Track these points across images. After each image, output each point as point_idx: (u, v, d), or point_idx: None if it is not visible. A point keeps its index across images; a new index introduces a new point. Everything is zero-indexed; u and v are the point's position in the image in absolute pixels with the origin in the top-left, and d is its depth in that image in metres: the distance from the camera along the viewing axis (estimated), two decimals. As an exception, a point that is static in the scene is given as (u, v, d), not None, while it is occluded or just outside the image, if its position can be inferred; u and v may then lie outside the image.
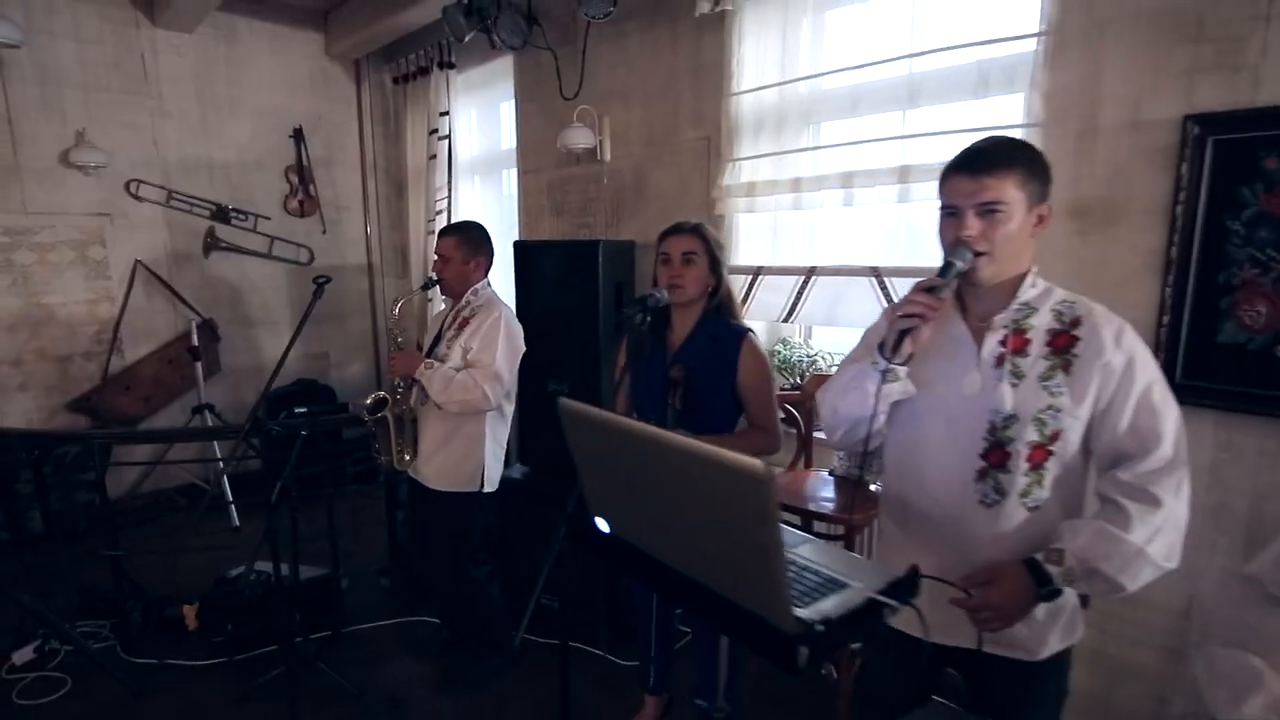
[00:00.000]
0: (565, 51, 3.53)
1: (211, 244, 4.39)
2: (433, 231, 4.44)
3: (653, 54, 3.20)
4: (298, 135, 4.70)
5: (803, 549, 1.05)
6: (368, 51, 4.77)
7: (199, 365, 4.16)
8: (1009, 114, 2.19)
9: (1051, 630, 1.29)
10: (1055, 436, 1.23)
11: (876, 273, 2.53)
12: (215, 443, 4.23)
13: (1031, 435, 1.23)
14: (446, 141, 4.33)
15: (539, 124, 3.80)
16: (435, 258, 2.39)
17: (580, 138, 3.35)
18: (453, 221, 4.07)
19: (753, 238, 2.97)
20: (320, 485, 3.05)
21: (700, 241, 1.93)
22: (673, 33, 3.08)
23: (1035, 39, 2.09)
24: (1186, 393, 1.89)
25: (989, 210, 1.21)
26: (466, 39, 3.63)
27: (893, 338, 1.24)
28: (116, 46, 4.01)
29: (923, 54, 2.33)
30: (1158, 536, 1.15)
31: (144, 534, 3.77)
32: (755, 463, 0.73)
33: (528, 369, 2.46)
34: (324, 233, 4.86)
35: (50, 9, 3.79)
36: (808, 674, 0.79)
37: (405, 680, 2.61)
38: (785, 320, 2.83)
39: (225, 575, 2.99)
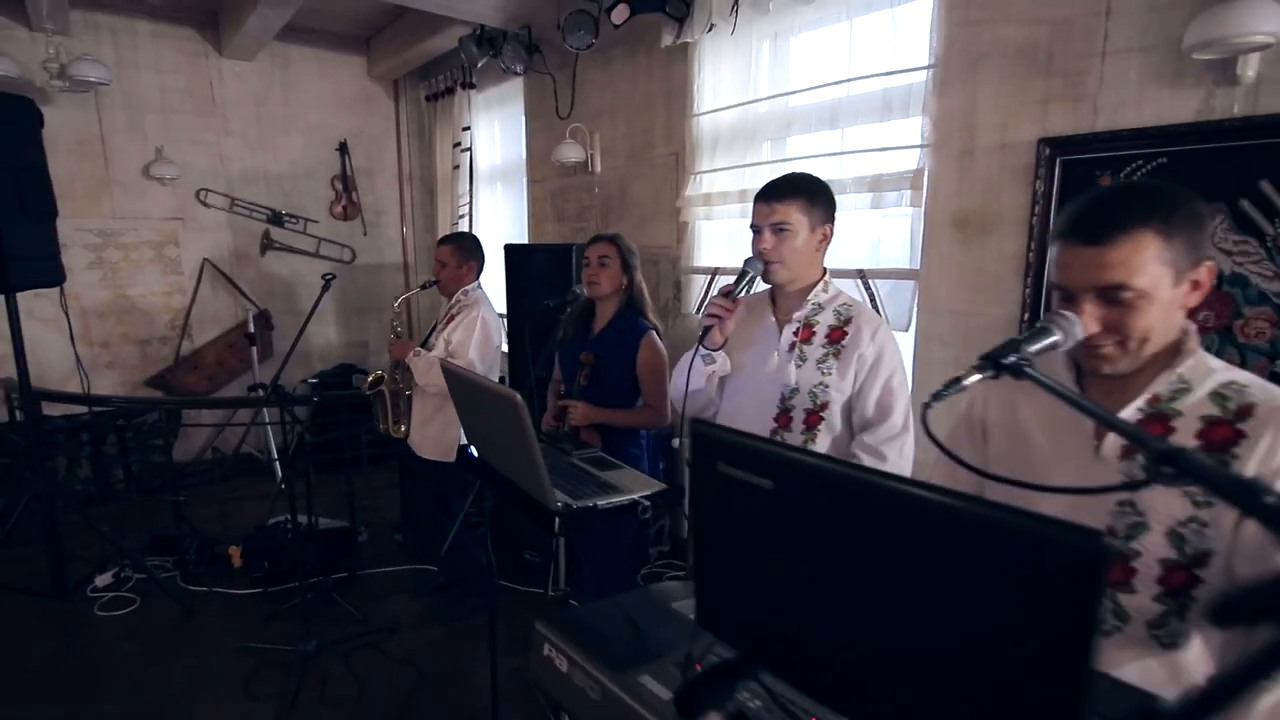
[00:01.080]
0: (562, 75, 3.98)
1: (267, 244, 5.03)
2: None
3: (633, 79, 3.61)
4: (342, 148, 5.30)
5: (609, 473, 1.46)
6: (404, 73, 5.33)
7: (254, 350, 4.81)
8: (911, 136, 2.51)
9: None
10: (824, 405, 1.60)
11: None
12: (265, 414, 4.85)
13: (807, 403, 1.61)
14: (468, 153, 4.85)
15: (542, 139, 4.26)
16: (436, 264, 2.87)
17: (571, 152, 3.79)
18: (457, 230, 4.59)
19: (711, 241, 3.35)
20: (342, 450, 3.60)
21: (613, 248, 2.36)
22: (649, 61, 3.48)
23: (926, 71, 2.42)
24: (1042, 379, 2.20)
25: (779, 229, 1.59)
26: (480, 64, 4.14)
27: (700, 331, 1.63)
28: (189, 75, 4.68)
29: (840, 82, 2.67)
30: None
31: (204, 490, 4.42)
32: (513, 394, 1.15)
33: (519, 358, 2.91)
34: (365, 234, 5.46)
35: (135, 45, 4.47)
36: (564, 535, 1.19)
37: (403, 612, 3.11)
38: (737, 315, 3.19)
39: (265, 523, 3.56)
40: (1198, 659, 0.98)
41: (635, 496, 1.30)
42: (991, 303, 2.34)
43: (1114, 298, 0.95)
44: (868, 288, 2.69)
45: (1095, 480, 0.96)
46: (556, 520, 1.18)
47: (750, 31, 2.99)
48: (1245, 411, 0.96)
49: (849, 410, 1.61)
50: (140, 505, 4.05)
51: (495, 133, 5.04)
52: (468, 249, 2.84)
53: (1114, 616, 1.03)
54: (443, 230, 5.15)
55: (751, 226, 1.67)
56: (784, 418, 1.65)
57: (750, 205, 2.98)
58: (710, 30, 2.98)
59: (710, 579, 0.80)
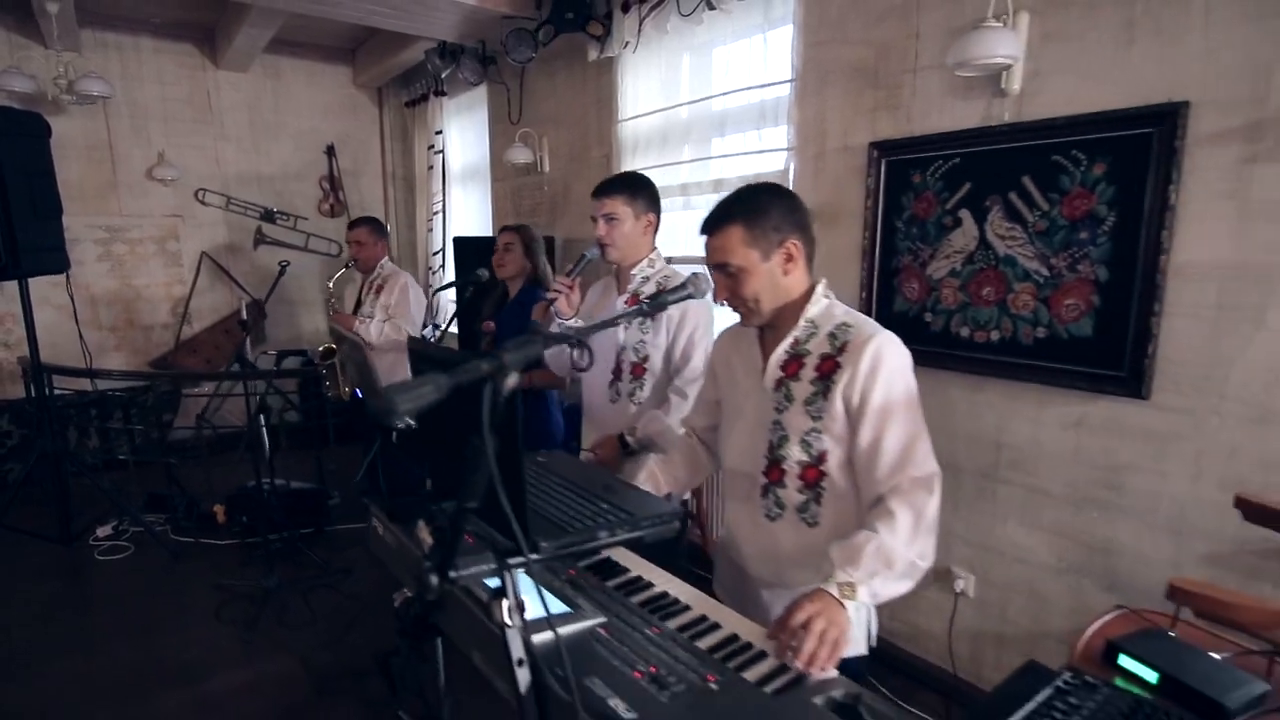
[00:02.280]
0: (515, 85, 4.39)
1: (260, 239, 5.50)
2: (431, 229, 5.41)
3: (571, 89, 4.01)
4: (329, 151, 5.76)
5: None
6: (386, 81, 5.77)
7: (247, 335, 5.27)
8: (780, 140, 2.88)
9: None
10: (645, 358, 2.00)
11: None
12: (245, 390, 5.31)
13: (633, 357, 2.01)
14: (440, 155, 5.28)
15: (501, 142, 4.67)
16: (350, 244, 3.35)
17: (520, 154, 4.20)
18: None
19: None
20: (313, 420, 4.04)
21: (517, 236, 2.77)
22: (583, 73, 3.87)
23: (788, 85, 2.79)
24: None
25: (609, 218, 1.99)
26: (444, 75, 4.56)
27: (545, 305, 2.04)
28: (189, 86, 5.16)
29: (724, 94, 3.05)
30: None
31: (196, 461, 4.90)
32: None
33: (464, 339, 3.35)
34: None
35: (139, 60, 4.95)
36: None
37: (358, 559, 3.54)
38: (655, 299, 3.59)
39: (245, 485, 4.02)
40: (829, 533, 1.33)
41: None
42: (840, 283, 2.69)
43: (726, 272, 1.36)
44: (753, 273, 3.06)
45: (767, 403, 1.36)
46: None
47: (662, 48, 3.37)
48: (843, 348, 1.33)
49: (668, 360, 2.00)
50: (140, 472, 4.53)
51: (464, 136, 5.46)
52: (380, 229, 3.34)
53: (776, 506, 1.41)
54: (422, 225, 5.59)
55: (591, 218, 2.06)
56: (619, 369, 2.05)
57: (673, 200, 3.39)
58: (626, 47, 3.37)
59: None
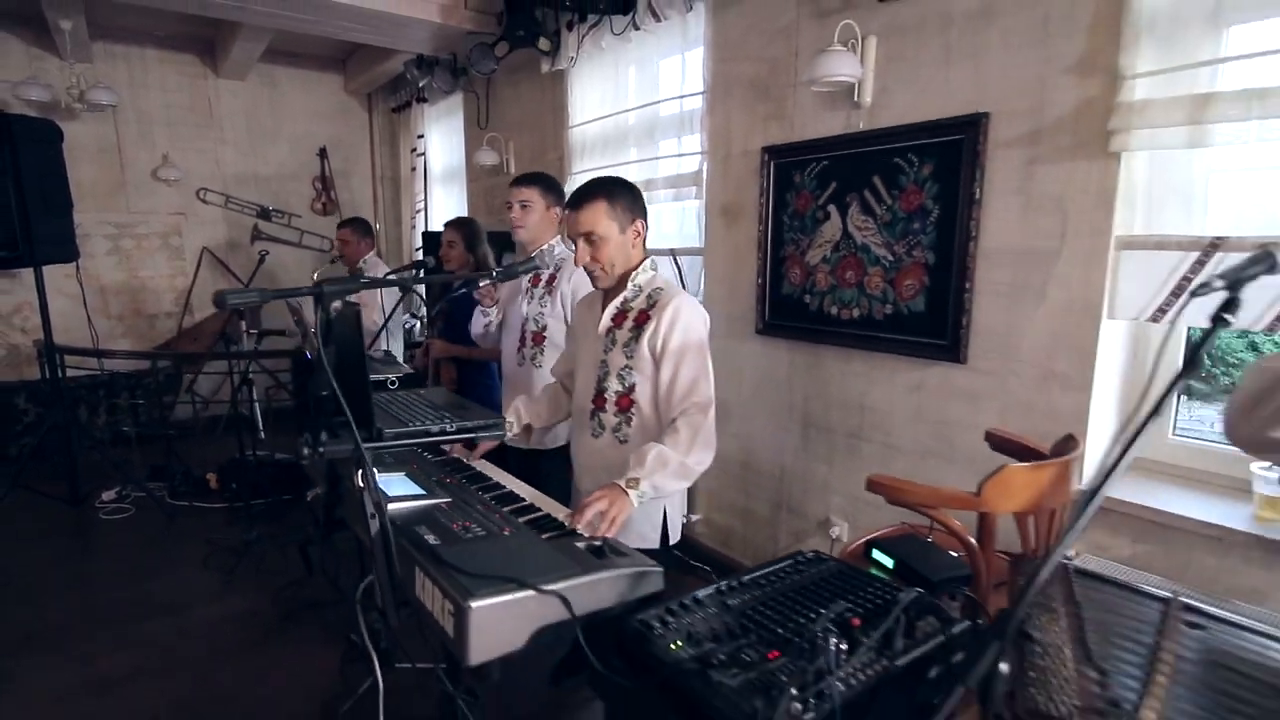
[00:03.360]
0: (484, 94, 4.79)
1: (257, 236, 5.93)
2: (415, 225, 5.83)
3: (532, 97, 4.40)
4: (322, 153, 6.20)
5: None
6: (375, 88, 6.20)
7: (244, 324, 5.70)
8: (696, 145, 3.26)
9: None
10: (544, 328, 2.37)
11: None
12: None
13: (533, 327, 2.38)
14: (422, 158, 5.70)
15: (474, 146, 5.06)
16: (338, 241, 3.73)
17: (487, 157, 4.60)
18: (449, 219, 5.44)
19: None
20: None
21: (458, 233, 3.15)
22: (541, 83, 4.25)
23: (701, 97, 3.17)
24: (772, 328, 2.95)
25: (524, 204, 2.37)
26: (422, 84, 4.97)
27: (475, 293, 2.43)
28: (191, 93, 5.61)
29: (653, 104, 3.44)
30: None
31: (194, 435, 5.33)
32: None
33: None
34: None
35: (145, 70, 5.40)
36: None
37: (332, 521, 3.95)
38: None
39: (236, 456, 4.44)
40: (635, 449, 1.69)
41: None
42: (743, 270, 3.08)
43: (590, 240, 1.73)
44: (676, 263, 3.44)
45: (599, 347, 1.76)
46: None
47: (604, 62, 3.75)
48: (654, 305, 1.73)
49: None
50: (143, 447, 4.97)
51: (443, 140, 5.87)
52: (364, 229, 3.71)
53: (599, 427, 1.80)
54: (406, 222, 6.01)
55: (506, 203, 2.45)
56: (524, 340, 2.43)
57: (649, 195, 3.76)
58: (572, 61, 3.76)
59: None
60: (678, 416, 1.63)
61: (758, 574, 1.45)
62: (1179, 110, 1.75)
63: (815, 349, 2.81)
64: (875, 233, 2.51)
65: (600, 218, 1.71)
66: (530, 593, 1.11)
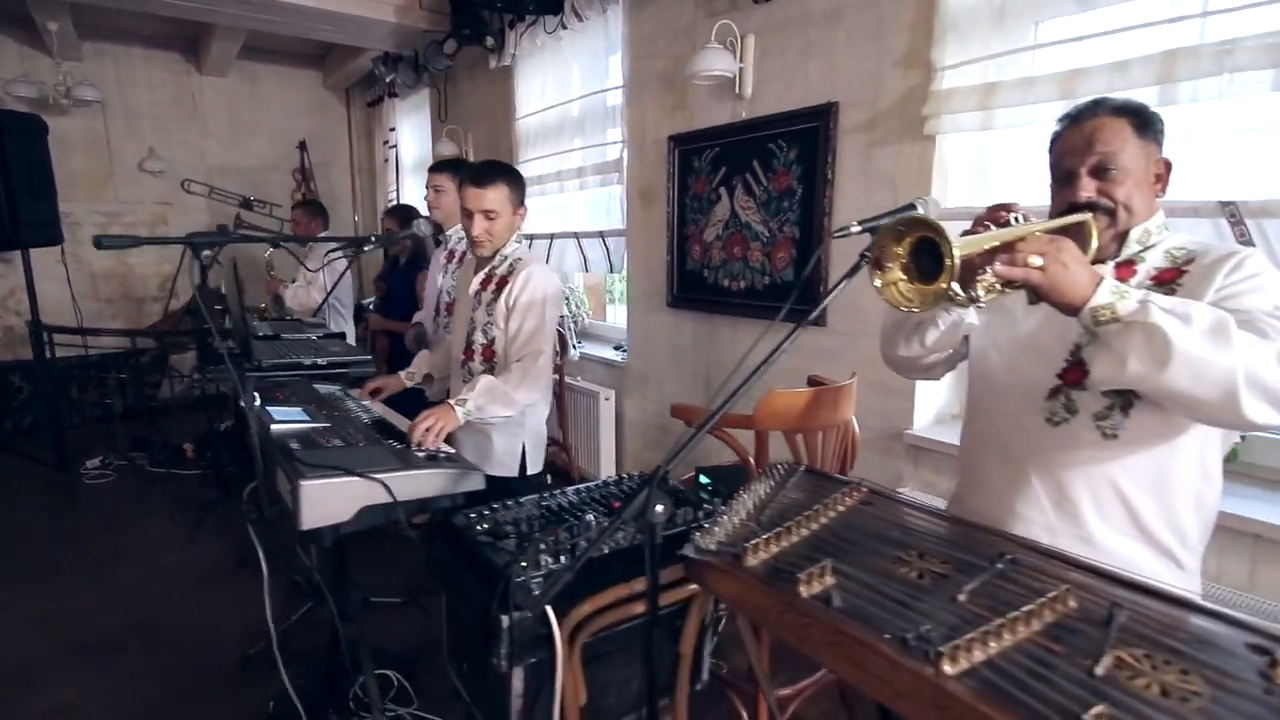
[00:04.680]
0: (447, 89, 5.09)
1: (239, 225, 6.26)
2: (385, 215, 6.14)
3: (485, 91, 4.70)
4: (301, 146, 6.51)
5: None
6: (352, 83, 6.51)
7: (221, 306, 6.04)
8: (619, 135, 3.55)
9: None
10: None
11: (577, 235, 3.94)
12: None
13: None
14: (394, 150, 6.00)
15: (438, 138, 5.37)
16: (292, 223, 4.04)
17: (446, 148, 4.90)
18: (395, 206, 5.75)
19: (535, 213, 4.40)
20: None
21: (395, 220, 3.46)
22: (493, 78, 4.55)
23: (621, 90, 3.45)
24: (679, 301, 3.24)
25: (437, 189, 2.67)
26: (388, 79, 5.28)
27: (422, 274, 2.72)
28: (175, 89, 5.93)
29: (581, 97, 3.72)
30: None
31: (175, 413, 5.67)
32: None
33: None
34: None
35: (132, 67, 5.73)
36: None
37: (296, 484, 4.27)
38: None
39: (213, 428, 4.77)
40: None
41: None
42: (656, 249, 3.37)
43: (488, 216, 2.02)
44: (605, 244, 3.73)
45: (470, 307, 2.06)
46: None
47: (544, 59, 4.04)
48: (512, 270, 2.04)
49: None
50: (129, 422, 5.31)
51: (413, 133, 6.17)
52: (314, 211, 4.01)
53: (468, 374, 2.09)
54: (380, 212, 6.32)
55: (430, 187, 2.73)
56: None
57: (580, 181, 4.05)
58: (513, 59, 4.06)
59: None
60: (515, 360, 1.93)
61: (581, 486, 1.76)
62: (973, 98, 2.03)
63: (712, 319, 3.10)
64: (755, 211, 2.79)
65: (503, 199, 2.01)
66: (355, 478, 1.42)
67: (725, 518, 1.25)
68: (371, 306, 3.80)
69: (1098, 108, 1.24)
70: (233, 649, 2.54)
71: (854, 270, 1.16)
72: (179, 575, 3.20)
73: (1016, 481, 1.26)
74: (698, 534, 1.18)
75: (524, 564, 1.29)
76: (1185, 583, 1.21)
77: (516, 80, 4.26)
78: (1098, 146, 1.22)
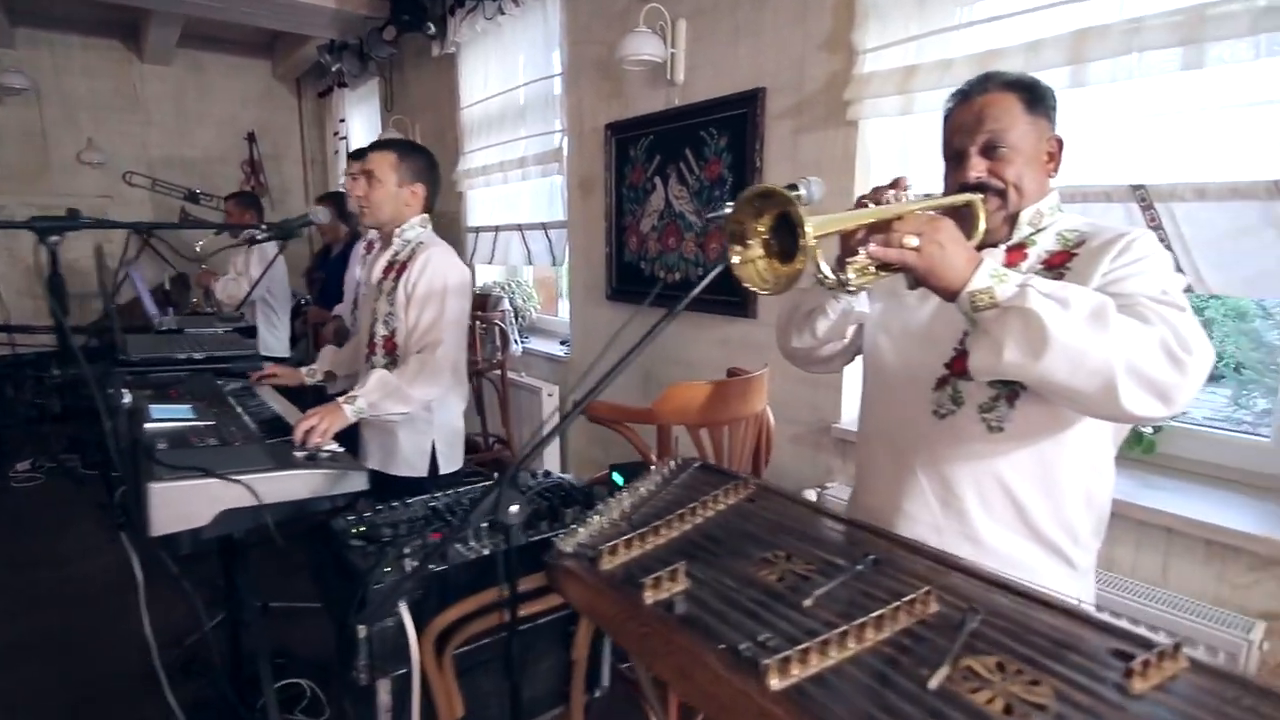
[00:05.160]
0: (397, 78, 4.96)
1: (185, 218, 6.07)
2: (316, 202, 6.00)
3: (431, 80, 4.58)
4: (250, 137, 6.34)
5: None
6: (302, 73, 6.34)
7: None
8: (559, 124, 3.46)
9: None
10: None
11: (520, 227, 3.85)
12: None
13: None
14: (344, 141, 5.85)
15: (387, 128, 5.24)
16: (225, 215, 3.91)
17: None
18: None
19: (481, 205, 4.31)
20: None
21: (332, 210, 3.34)
22: (438, 66, 4.43)
23: (559, 78, 3.36)
24: (618, 294, 3.16)
25: (370, 175, 2.54)
26: (334, 69, 5.13)
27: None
28: (115, 78, 5.73)
29: (522, 85, 3.63)
30: None
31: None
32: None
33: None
34: (271, 210, 6.48)
35: (69, 55, 5.53)
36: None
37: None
38: (489, 262, 4.17)
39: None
40: None
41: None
42: (596, 241, 3.29)
43: (371, 176, 1.93)
44: (548, 237, 3.64)
45: (373, 297, 1.96)
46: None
47: (487, 46, 3.93)
48: (412, 255, 1.94)
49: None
50: (72, 422, 5.13)
51: (364, 124, 6.02)
52: (246, 202, 3.88)
53: (371, 368, 1.96)
54: (330, 206, 6.17)
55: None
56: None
57: (522, 171, 3.95)
58: (455, 47, 3.95)
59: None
60: (412, 353, 1.84)
61: (477, 486, 1.68)
62: (893, 81, 1.97)
63: (650, 311, 3.00)
64: (688, 201, 2.72)
65: (384, 164, 1.91)
66: (214, 480, 1.32)
67: (596, 518, 1.17)
68: (307, 301, 3.67)
69: (987, 83, 1.19)
70: (140, 659, 2.42)
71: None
72: (95, 581, 3.07)
73: (903, 478, 1.20)
74: (560, 536, 1.11)
75: (386, 570, 1.21)
76: (1076, 582, 1.16)
77: (461, 69, 4.15)
78: (987, 124, 1.16)
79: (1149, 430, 1.71)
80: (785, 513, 1.17)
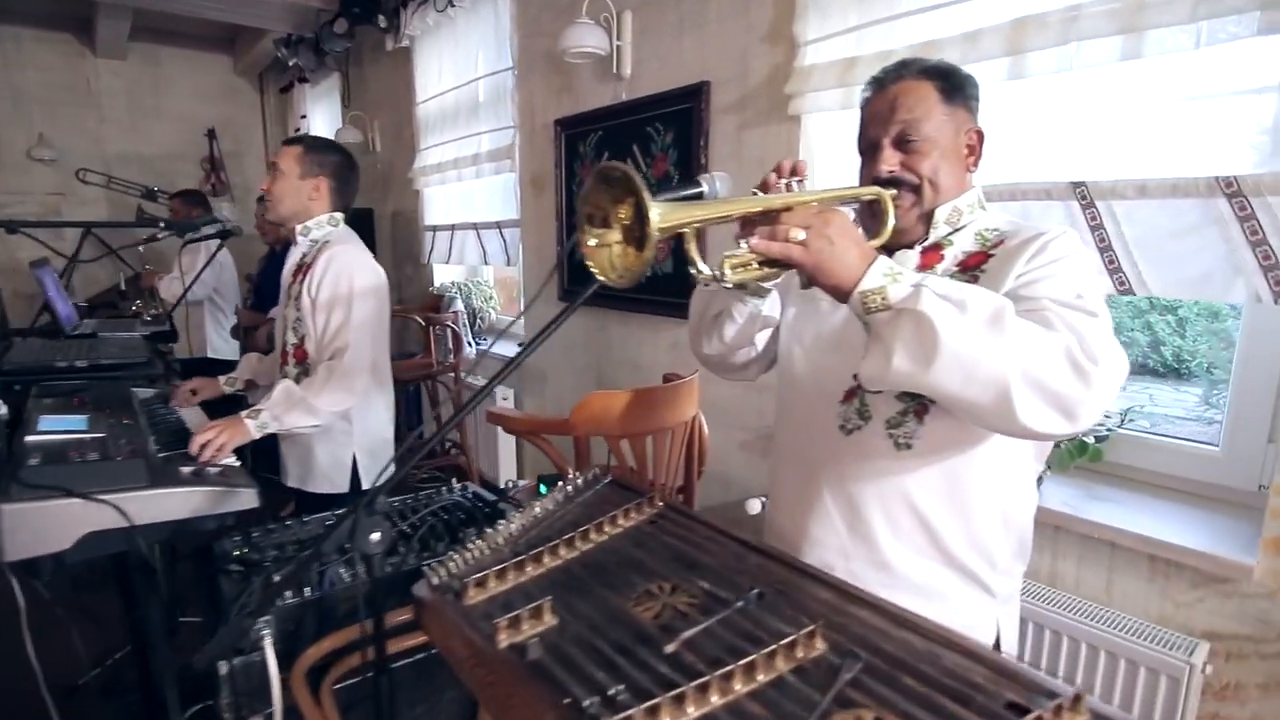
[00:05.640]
0: (355, 73, 4.83)
1: (141, 216, 5.90)
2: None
3: (388, 74, 4.46)
4: (210, 134, 6.18)
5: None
6: (264, 68, 6.19)
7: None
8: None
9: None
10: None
11: (475, 226, 3.74)
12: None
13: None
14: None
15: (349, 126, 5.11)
16: (170, 211, 3.78)
17: (349, 135, 4.64)
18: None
19: (438, 204, 4.19)
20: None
21: (183, 203, 3.24)
22: (395, 60, 4.31)
23: (511, 72, 3.26)
24: (570, 295, 3.07)
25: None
26: (291, 64, 5.00)
27: None
28: (68, 72, 5.56)
29: (474, 80, 3.52)
30: None
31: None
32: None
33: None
34: (234, 208, 6.33)
35: (19, 49, 5.35)
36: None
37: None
38: (446, 261, 4.06)
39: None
40: None
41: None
42: (548, 239, 3.19)
43: (277, 169, 1.84)
44: (502, 236, 3.54)
45: (285, 302, 1.85)
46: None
47: (439, 38, 3.82)
48: (316, 255, 1.83)
49: None
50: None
51: (325, 121, 5.88)
52: (193, 200, 3.75)
53: (284, 377, 1.88)
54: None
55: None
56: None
57: (476, 169, 3.83)
58: (411, 41, 3.83)
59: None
60: (322, 361, 1.73)
61: (394, 499, 1.57)
62: (833, 74, 1.88)
63: (602, 313, 2.93)
64: (637, 199, 2.62)
65: (289, 158, 1.81)
66: (76, 500, 1.22)
67: (480, 542, 1.08)
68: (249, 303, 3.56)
69: (902, 70, 1.10)
70: (56, 682, 2.30)
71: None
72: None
73: (810, 499, 1.11)
74: (431, 565, 1.02)
75: (250, 597, 1.11)
76: (995, 610, 1.08)
77: (415, 63, 4.03)
78: (899, 114, 1.07)
79: (1091, 440, 1.64)
80: (687, 536, 1.08)
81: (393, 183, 4.64)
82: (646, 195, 0.76)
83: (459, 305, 3.77)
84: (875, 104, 1.11)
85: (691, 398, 1.65)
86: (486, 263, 3.72)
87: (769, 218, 0.90)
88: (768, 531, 1.24)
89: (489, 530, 1.11)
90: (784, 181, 1.00)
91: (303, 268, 1.85)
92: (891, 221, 1.06)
